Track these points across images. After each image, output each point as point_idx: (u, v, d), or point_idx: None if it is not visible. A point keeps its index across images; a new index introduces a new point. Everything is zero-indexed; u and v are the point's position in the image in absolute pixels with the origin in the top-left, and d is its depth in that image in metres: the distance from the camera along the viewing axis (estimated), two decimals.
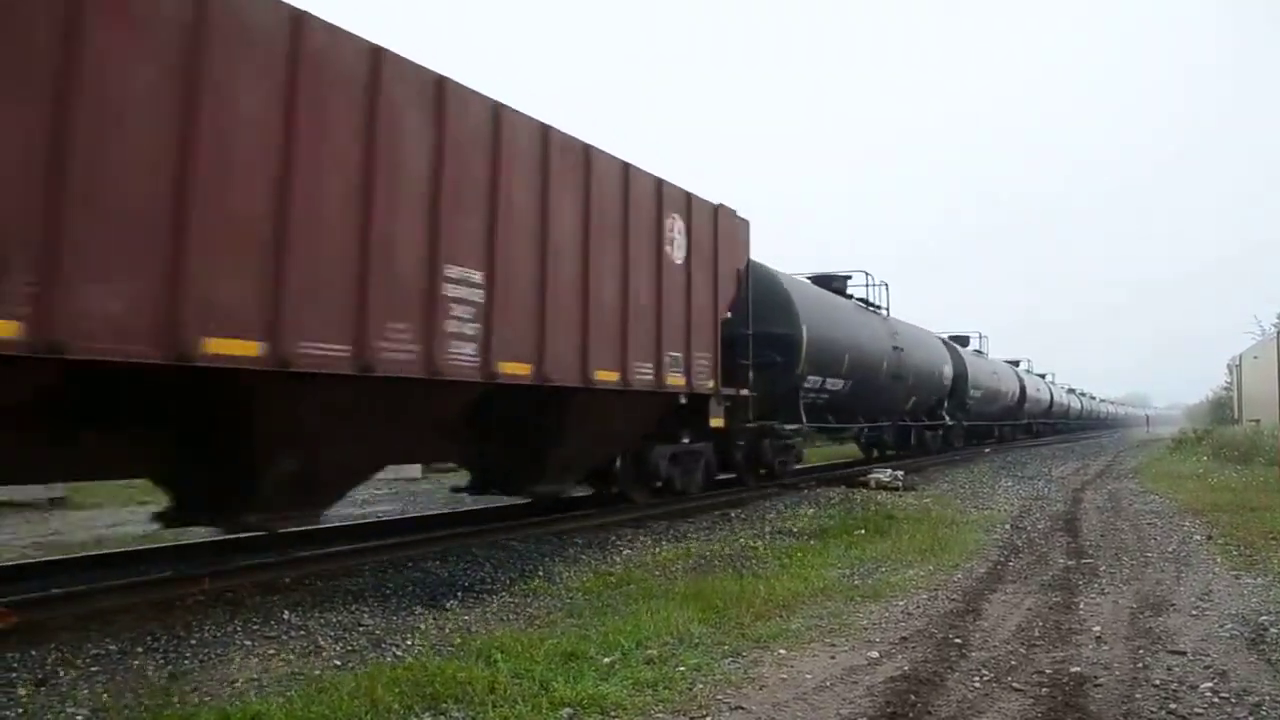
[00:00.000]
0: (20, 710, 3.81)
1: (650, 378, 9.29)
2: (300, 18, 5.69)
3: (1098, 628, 5.32)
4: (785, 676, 4.40)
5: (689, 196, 10.04)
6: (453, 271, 6.83)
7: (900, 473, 14.96)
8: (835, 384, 14.52)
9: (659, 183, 9.52)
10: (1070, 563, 7.61)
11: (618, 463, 10.05)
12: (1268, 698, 4.04)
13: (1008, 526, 9.96)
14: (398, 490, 13.98)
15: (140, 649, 4.74)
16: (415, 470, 15.70)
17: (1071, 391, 56.54)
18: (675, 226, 9.76)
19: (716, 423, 10.79)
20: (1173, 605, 5.93)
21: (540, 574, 6.96)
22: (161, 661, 4.55)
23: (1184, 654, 4.76)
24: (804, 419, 13.35)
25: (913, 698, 4.04)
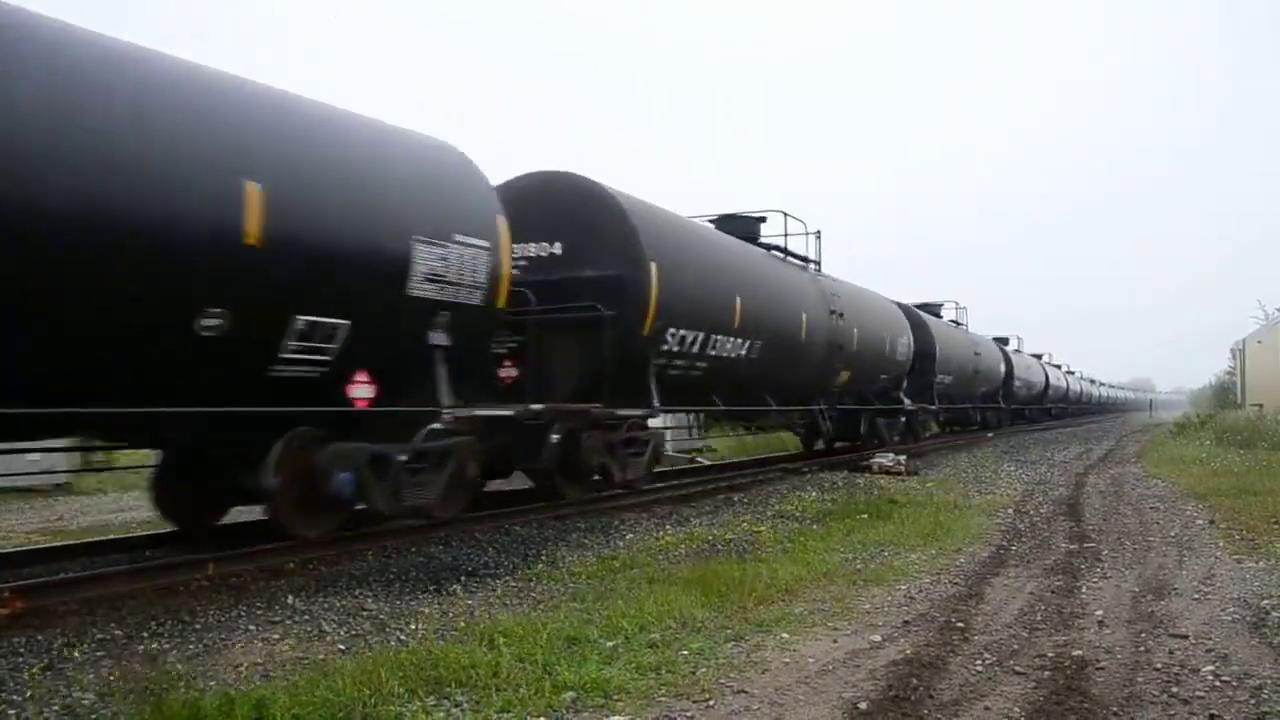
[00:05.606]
0: (28, 694, 3.83)
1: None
2: None
3: (1100, 611, 5.33)
4: (788, 660, 4.41)
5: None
6: None
7: (903, 457, 14.98)
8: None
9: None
10: (1073, 547, 7.61)
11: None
12: (1269, 681, 4.04)
13: (1010, 511, 9.97)
14: None
15: (145, 634, 4.77)
16: None
17: (1083, 379, 62.66)
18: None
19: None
20: (1175, 589, 5.93)
21: (543, 558, 6.98)
22: (167, 646, 4.58)
23: (1186, 638, 4.77)
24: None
25: (915, 681, 4.05)
